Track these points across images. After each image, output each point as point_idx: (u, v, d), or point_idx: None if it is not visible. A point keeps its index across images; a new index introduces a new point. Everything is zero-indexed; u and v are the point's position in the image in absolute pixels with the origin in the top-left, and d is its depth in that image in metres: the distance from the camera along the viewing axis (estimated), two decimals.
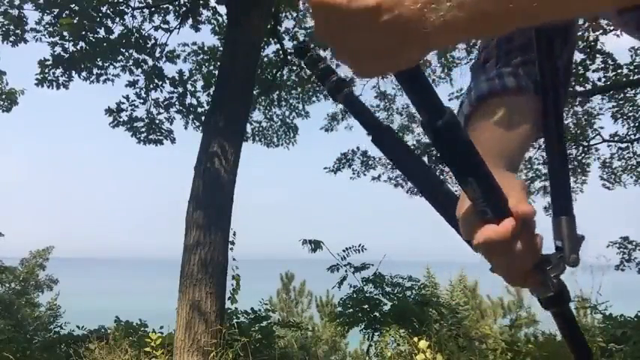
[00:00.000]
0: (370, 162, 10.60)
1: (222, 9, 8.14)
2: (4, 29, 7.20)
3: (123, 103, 8.06)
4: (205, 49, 8.84)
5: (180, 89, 8.31)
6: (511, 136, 0.73)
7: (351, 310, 6.67)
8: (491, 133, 0.73)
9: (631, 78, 8.86)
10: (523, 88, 0.76)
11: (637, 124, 9.89)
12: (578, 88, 8.67)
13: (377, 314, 6.51)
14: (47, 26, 7.22)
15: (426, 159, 10.46)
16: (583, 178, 10.53)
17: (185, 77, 8.37)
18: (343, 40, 0.43)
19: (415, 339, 4.96)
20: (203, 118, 7.88)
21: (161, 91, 8.19)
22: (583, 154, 10.36)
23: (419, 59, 0.45)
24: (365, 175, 10.80)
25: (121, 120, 8.19)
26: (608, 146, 10.32)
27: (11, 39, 7.27)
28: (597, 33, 7.75)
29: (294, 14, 9.30)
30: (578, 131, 9.96)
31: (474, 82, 0.82)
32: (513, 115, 0.75)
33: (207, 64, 8.87)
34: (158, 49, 8.10)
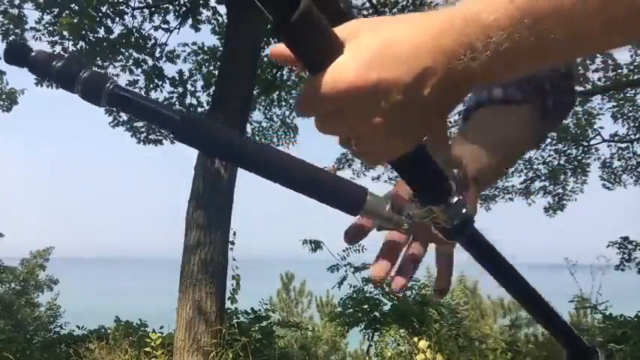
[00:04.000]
0: None
1: (222, 9, 8.14)
2: (3, 28, 7.20)
3: None
4: (205, 49, 8.83)
5: (180, 89, 8.30)
6: (498, 144, 0.74)
7: (351, 310, 6.67)
8: (479, 143, 0.74)
9: (631, 78, 8.86)
10: (510, 98, 0.78)
11: (637, 124, 9.90)
12: (578, 88, 8.68)
13: (377, 314, 6.51)
14: (47, 26, 7.22)
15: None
16: (583, 178, 10.54)
17: (185, 77, 8.37)
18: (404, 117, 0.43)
19: (415, 339, 4.97)
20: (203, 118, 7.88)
21: (161, 91, 8.19)
22: (583, 154, 10.36)
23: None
24: (365, 175, 10.82)
25: (121, 120, 8.19)
26: (608, 146, 10.33)
27: (11, 38, 7.27)
28: None
29: None
30: (578, 131, 9.96)
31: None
32: (500, 125, 0.77)
33: (207, 64, 8.86)
34: (158, 49, 8.10)
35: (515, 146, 0.77)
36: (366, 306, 6.59)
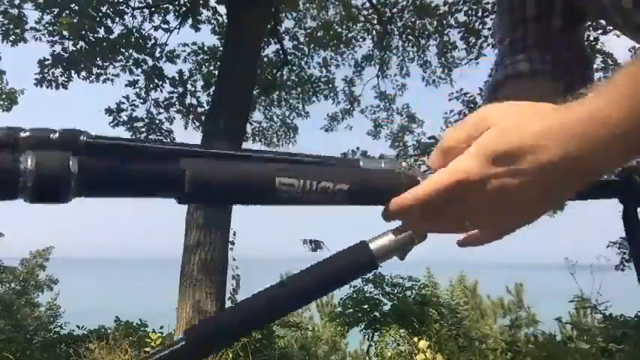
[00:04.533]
0: None
1: (222, 9, 8.14)
2: (4, 28, 7.20)
3: (123, 103, 8.06)
4: (205, 49, 8.83)
5: (180, 89, 8.30)
6: None
7: (351, 310, 6.67)
8: None
9: None
10: (537, 72, 0.81)
11: None
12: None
13: (377, 314, 6.51)
14: (47, 26, 7.22)
15: (426, 158, 10.43)
16: None
17: (185, 77, 8.37)
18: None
19: (415, 339, 4.96)
20: (203, 118, 7.88)
21: (161, 91, 8.19)
22: None
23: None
24: None
25: (121, 120, 8.18)
26: None
27: (11, 38, 7.27)
28: (597, 33, 7.75)
29: (294, 14, 9.30)
30: None
31: (496, 68, 0.88)
32: (527, 98, 0.79)
33: (207, 64, 8.86)
34: (158, 49, 8.10)
35: None
36: (366, 306, 6.59)
